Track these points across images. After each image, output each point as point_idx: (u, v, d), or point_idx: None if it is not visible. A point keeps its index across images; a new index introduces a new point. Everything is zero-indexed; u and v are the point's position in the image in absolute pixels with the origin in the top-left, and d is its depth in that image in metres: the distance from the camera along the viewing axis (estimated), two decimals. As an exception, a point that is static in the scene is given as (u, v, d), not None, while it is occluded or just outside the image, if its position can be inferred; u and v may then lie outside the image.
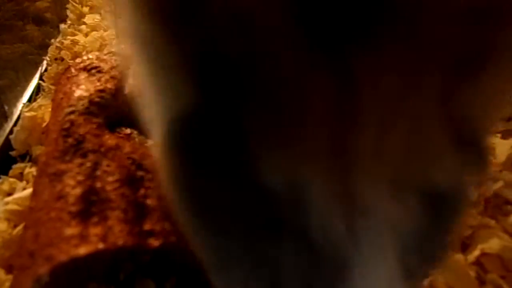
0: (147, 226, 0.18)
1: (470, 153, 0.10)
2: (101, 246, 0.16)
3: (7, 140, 0.38)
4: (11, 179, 0.33)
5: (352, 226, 0.10)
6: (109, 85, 0.28)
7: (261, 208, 0.10)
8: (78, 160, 0.21)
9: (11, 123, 0.41)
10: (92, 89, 0.27)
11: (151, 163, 0.22)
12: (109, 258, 0.17)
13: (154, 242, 0.17)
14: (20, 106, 0.43)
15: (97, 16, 0.61)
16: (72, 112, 0.24)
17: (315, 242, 0.10)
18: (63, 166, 0.21)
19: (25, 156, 0.37)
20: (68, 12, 0.62)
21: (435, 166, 0.10)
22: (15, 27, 0.60)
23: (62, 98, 0.28)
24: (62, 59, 0.51)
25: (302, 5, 0.08)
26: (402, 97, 0.09)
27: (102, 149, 0.22)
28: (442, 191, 0.10)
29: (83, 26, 0.58)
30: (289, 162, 0.09)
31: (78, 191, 0.19)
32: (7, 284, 0.24)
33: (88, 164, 0.20)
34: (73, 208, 0.18)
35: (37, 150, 0.36)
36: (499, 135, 0.31)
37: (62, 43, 0.53)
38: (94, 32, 0.57)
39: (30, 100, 0.44)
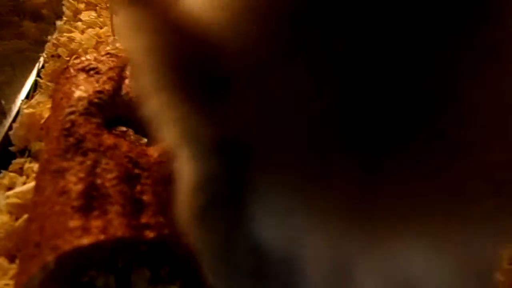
0: (143, 220, 0.20)
1: None
2: (101, 237, 0.18)
3: (6, 136, 0.39)
4: (11, 174, 0.35)
5: None
6: (107, 86, 0.29)
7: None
8: (79, 158, 0.22)
9: (10, 119, 0.42)
10: (91, 90, 0.28)
11: (147, 161, 0.24)
12: (109, 248, 0.19)
13: (150, 234, 0.19)
14: (18, 102, 0.44)
15: (93, 13, 0.61)
16: (72, 113, 0.26)
17: None
18: (65, 164, 0.22)
19: (24, 152, 0.38)
20: (64, 9, 0.63)
21: None
22: (12, 23, 0.61)
23: (62, 98, 0.30)
24: (59, 56, 0.52)
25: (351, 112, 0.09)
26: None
27: (101, 148, 0.23)
28: None
29: (79, 23, 0.59)
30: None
31: (79, 187, 0.21)
32: (11, 272, 0.26)
33: (89, 162, 0.22)
34: (76, 203, 0.20)
35: (36, 146, 0.38)
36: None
37: (59, 40, 0.53)
38: (90, 29, 0.57)
39: (28, 96, 0.45)
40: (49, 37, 0.56)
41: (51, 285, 0.18)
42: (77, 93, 0.28)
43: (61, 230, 0.19)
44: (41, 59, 0.52)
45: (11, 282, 0.25)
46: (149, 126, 0.16)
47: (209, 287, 0.15)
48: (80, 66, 0.32)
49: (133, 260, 0.20)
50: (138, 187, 0.22)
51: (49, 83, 0.46)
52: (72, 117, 0.25)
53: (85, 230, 0.18)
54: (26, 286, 0.18)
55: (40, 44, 0.55)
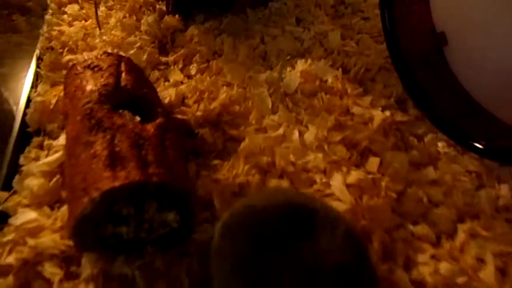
0: (150, 171, 0.31)
1: None
2: (126, 181, 0.29)
3: (23, 120, 0.48)
4: (34, 149, 0.45)
5: None
6: (110, 80, 0.39)
7: None
8: (100, 134, 0.33)
9: (19, 107, 0.51)
10: (98, 84, 0.38)
11: (146, 134, 0.35)
12: (130, 188, 0.30)
13: (155, 179, 0.30)
14: (23, 91, 0.53)
15: (76, 6, 0.68)
16: (89, 102, 0.36)
17: None
18: (92, 138, 0.33)
19: (38, 132, 0.48)
20: (48, 1, 0.69)
21: None
22: (2, 17, 0.67)
23: (75, 90, 0.39)
24: (53, 49, 0.60)
25: None
26: None
27: (115, 126, 0.34)
28: None
29: (65, 16, 0.66)
30: None
31: (105, 153, 0.31)
32: (53, 216, 0.37)
33: (108, 136, 0.33)
34: (105, 162, 0.31)
35: (49, 127, 0.47)
36: (379, 108, 0.45)
37: (50, 33, 0.61)
38: (76, 22, 0.65)
39: (32, 86, 0.54)
40: (40, 31, 0.63)
41: (95, 213, 0.30)
42: (89, 87, 0.38)
43: (100, 178, 0.30)
44: (37, 51, 0.60)
45: (56, 222, 0.36)
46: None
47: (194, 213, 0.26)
48: (85, 64, 0.42)
49: (145, 196, 0.31)
50: (143, 151, 0.33)
51: (48, 73, 0.55)
52: (89, 105, 0.36)
53: (115, 177, 0.30)
54: (81, 214, 0.29)
55: (33, 38, 0.62)
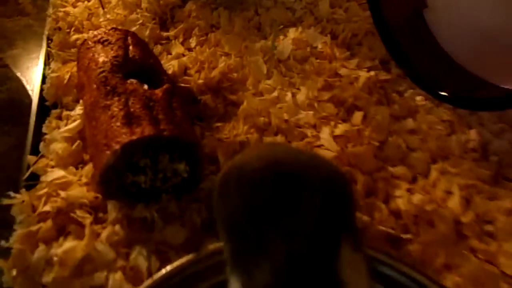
0: (161, 127, 0.36)
1: None
2: (142, 135, 0.34)
3: (40, 95, 0.53)
4: (54, 120, 0.50)
5: None
6: (119, 52, 0.44)
7: None
8: (116, 98, 0.38)
9: (35, 84, 0.55)
10: (109, 56, 0.43)
11: (156, 97, 0.40)
12: (145, 141, 0.35)
13: (166, 133, 0.35)
14: (37, 69, 0.58)
15: (77, -13, 0.71)
16: (102, 71, 0.41)
17: None
18: (108, 102, 0.38)
19: (56, 105, 0.53)
20: (50, -16, 0.72)
21: None
22: (9, 1, 0.71)
23: (89, 63, 0.44)
24: (60, 29, 0.64)
25: None
26: None
27: (128, 91, 0.39)
28: None
29: (68, -3, 0.69)
30: None
31: (121, 113, 0.36)
32: (78, 174, 0.42)
33: (123, 99, 0.38)
34: (123, 121, 0.36)
35: (65, 100, 0.52)
36: (365, 69, 0.50)
37: (57, 15, 0.65)
38: (79, 3, 0.69)
39: (45, 64, 0.58)
40: (47, 12, 0.67)
41: (117, 163, 0.35)
42: (101, 59, 0.43)
43: (119, 134, 0.35)
44: (46, 32, 0.64)
45: (82, 178, 0.41)
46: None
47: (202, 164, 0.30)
48: (95, 39, 0.46)
49: (158, 149, 0.36)
50: (154, 112, 0.38)
51: (59, 52, 0.59)
52: (104, 74, 0.40)
53: (132, 133, 0.35)
54: (106, 165, 0.34)
55: (41, 20, 0.66)
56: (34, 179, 0.43)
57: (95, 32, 0.47)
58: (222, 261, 0.22)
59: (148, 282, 0.31)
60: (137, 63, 0.44)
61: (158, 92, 0.41)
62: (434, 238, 0.34)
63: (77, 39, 0.61)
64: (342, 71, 0.50)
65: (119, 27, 0.60)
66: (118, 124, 0.36)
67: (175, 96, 0.42)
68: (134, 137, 0.34)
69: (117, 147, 0.34)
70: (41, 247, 0.35)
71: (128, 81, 0.41)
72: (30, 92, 0.57)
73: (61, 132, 0.46)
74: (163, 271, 0.31)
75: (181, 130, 0.37)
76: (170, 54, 0.57)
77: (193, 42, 0.58)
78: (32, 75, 0.59)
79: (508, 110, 0.43)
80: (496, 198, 0.36)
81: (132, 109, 0.37)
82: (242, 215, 0.20)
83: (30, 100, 0.55)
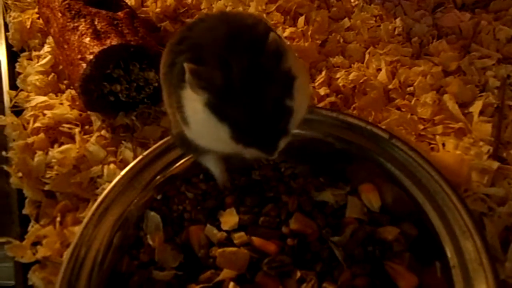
0: (128, 38, 0.41)
1: None
2: (111, 44, 0.39)
3: (7, 42, 0.55)
4: (25, 60, 0.53)
5: None
6: (77, -17, 0.47)
7: None
8: (82, 20, 0.42)
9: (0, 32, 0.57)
10: (68, -13, 0.46)
11: (118, 17, 0.44)
12: (115, 50, 0.40)
13: (133, 42, 0.40)
14: (-2, 20, 0.59)
15: None
16: (65, 0, 0.44)
17: None
18: (76, 23, 0.42)
19: (23, 49, 0.55)
20: None
21: None
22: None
23: (49, -3, 0.47)
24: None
25: None
26: None
27: (92, 13, 0.43)
28: None
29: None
30: None
31: (90, 30, 0.41)
32: (59, 99, 0.47)
33: (88, 19, 0.42)
34: (92, 36, 0.40)
35: (32, 43, 0.55)
36: None
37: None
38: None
39: (4, 13, 0.60)
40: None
41: (94, 72, 0.40)
42: (61, -10, 0.46)
43: (91, 47, 0.39)
44: (-2, -15, 0.64)
45: (63, 101, 0.46)
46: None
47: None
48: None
49: (128, 59, 0.41)
50: (119, 28, 0.42)
51: (16, 2, 0.60)
52: (67, 1, 0.44)
53: (103, 44, 0.39)
54: (83, 74, 0.39)
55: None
56: (18, 110, 0.47)
57: (50, -31, 0.50)
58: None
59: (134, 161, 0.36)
60: (95, -7, 0.48)
61: (120, 14, 0.45)
62: (368, 103, 0.42)
63: (31, -11, 0.62)
64: (286, -14, 0.55)
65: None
66: (88, 39, 0.40)
67: (136, 18, 0.47)
68: (105, 47, 0.39)
69: (91, 57, 0.39)
70: (39, 153, 0.40)
71: (89, 7, 0.45)
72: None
73: (35, 68, 0.50)
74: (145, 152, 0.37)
75: (146, 42, 0.42)
76: (126, -10, 0.60)
77: (145, -22, 0.61)
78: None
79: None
80: (415, 66, 0.44)
81: (98, 27, 0.42)
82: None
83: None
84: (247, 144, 0.26)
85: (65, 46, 0.43)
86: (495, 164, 0.36)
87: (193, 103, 0.27)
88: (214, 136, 0.27)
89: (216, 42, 0.26)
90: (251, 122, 0.25)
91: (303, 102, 0.29)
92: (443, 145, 0.38)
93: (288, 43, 0.47)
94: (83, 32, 0.41)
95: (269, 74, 0.25)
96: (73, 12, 0.43)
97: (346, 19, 0.51)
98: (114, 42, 0.40)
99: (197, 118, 0.28)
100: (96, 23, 0.42)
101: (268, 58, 0.25)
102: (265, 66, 0.25)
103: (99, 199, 0.33)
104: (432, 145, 0.39)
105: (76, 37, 0.41)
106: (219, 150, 0.31)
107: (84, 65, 0.39)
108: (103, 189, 0.38)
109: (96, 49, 0.39)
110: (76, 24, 0.42)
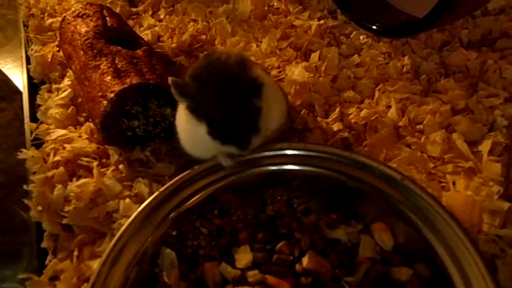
0: (147, 76, 0.42)
1: None
2: (131, 83, 0.41)
3: (28, 74, 0.58)
4: (46, 93, 0.55)
5: None
6: (98, 22, 0.49)
7: None
8: (103, 58, 0.44)
9: (22, 64, 0.60)
10: (90, 26, 0.49)
11: (137, 55, 0.46)
12: (134, 88, 0.41)
13: (152, 81, 0.42)
14: (20, 52, 0.62)
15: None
16: (87, 38, 0.47)
17: None
18: (97, 62, 0.44)
19: (43, 82, 0.58)
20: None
21: None
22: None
23: (72, 35, 0.49)
24: (34, 15, 0.68)
25: None
26: None
27: (113, 52, 0.45)
28: None
29: (36, -15, 0.73)
30: None
31: (111, 69, 0.43)
32: (78, 132, 0.48)
33: (109, 59, 0.44)
34: (113, 75, 0.42)
35: (52, 75, 0.57)
36: (316, 19, 0.57)
37: (28, 2, 0.69)
38: (47, -10, 0.72)
39: (26, 47, 0.63)
40: (18, 1, 0.71)
41: (113, 110, 0.41)
42: (83, 29, 0.48)
43: (111, 86, 0.41)
44: (21, 19, 0.68)
45: (82, 134, 0.47)
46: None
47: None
48: (74, 14, 0.52)
49: (147, 95, 0.43)
50: (138, 67, 0.44)
51: (38, 36, 0.63)
52: (89, 40, 0.46)
53: (123, 83, 0.41)
54: (104, 111, 0.41)
55: (13, 8, 0.70)
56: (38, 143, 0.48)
57: (73, 8, 0.53)
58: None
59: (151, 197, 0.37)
60: (116, 31, 0.50)
61: (139, 52, 0.47)
62: (379, 140, 0.43)
63: (52, 23, 0.65)
64: (297, 23, 0.57)
65: (92, 6, 0.66)
66: (109, 78, 0.42)
67: (154, 55, 0.49)
68: (125, 86, 0.41)
69: (112, 95, 0.41)
70: (58, 187, 0.41)
71: (111, 45, 0.47)
72: (18, 73, 0.61)
73: (55, 101, 0.52)
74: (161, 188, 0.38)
75: (163, 79, 0.44)
76: (142, 26, 0.63)
77: (161, 13, 0.64)
78: (16, 58, 0.64)
79: (432, 35, 0.52)
80: (424, 104, 0.45)
81: (119, 66, 0.44)
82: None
83: (18, 81, 0.59)
84: (223, 140, 0.32)
85: (86, 83, 0.44)
86: (506, 205, 0.36)
87: (180, 112, 0.36)
88: (195, 139, 0.35)
89: (196, 70, 0.34)
90: (223, 117, 0.31)
91: (274, 104, 0.35)
92: (454, 184, 0.39)
93: (306, 76, 0.49)
94: (104, 71, 0.43)
95: (237, 79, 0.31)
96: (95, 51, 0.45)
97: (356, 55, 0.53)
98: (133, 81, 0.41)
99: (183, 126, 0.36)
100: (116, 61, 0.44)
101: (233, 68, 0.31)
102: (232, 73, 0.31)
103: (117, 235, 0.34)
104: (442, 184, 0.40)
105: (98, 75, 0.43)
106: (203, 157, 0.36)
107: (105, 102, 0.41)
108: (120, 224, 0.39)
109: (117, 88, 0.41)
110: (97, 63, 0.44)
